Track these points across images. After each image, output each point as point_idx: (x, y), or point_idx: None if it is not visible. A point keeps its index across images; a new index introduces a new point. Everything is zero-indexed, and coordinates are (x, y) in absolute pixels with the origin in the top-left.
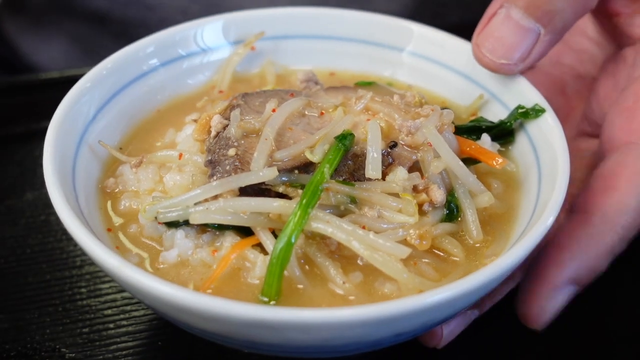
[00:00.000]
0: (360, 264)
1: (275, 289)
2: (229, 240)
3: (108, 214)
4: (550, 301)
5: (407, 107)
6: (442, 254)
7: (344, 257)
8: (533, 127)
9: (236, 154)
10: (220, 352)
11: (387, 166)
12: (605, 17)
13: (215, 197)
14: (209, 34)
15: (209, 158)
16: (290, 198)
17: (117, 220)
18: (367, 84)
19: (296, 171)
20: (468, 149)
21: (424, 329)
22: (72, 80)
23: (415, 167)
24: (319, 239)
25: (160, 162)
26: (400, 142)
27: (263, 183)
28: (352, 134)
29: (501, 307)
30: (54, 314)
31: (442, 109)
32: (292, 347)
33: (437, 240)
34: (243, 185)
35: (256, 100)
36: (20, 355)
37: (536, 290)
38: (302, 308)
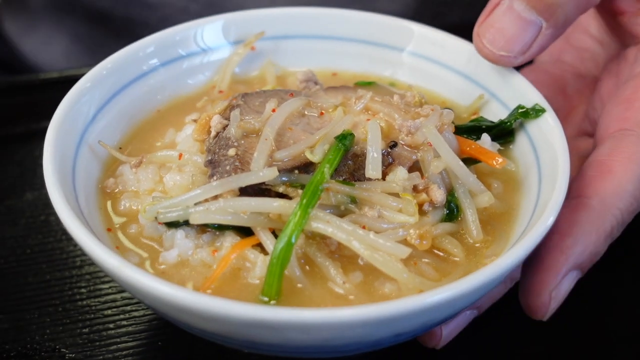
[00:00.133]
0: (361, 263)
1: (276, 289)
2: (229, 240)
3: (108, 214)
4: (556, 289)
5: (407, 107)
6: (442, 253)
7: (344, 257)
8: (533, 127)
9: (236, 154)
10: (220, 352)
11: (387, 166)
12: (609, 15)
13: (216, 197)
14: (209, 34)
15: (209, 158)
16: (290, 198)
17: (117, 220)
18: (367, 84)
19: (296, 171)
20: (468, 148)
21: (424, 329)
22: (72, 80)
23: (415, 167)
24: (319, 239)
25: (160, 162)
26: (400, 142)
27: (263, 183)
28: (352, 134)
29: (500, 307)
30: (54, 314)
31: (442, 109)
32: (292, 347)
33: (437, 240)
34: (243, 185)
35: (256, 100)
36: (20, 355)
37: (541, 279)
38: (302, 308)
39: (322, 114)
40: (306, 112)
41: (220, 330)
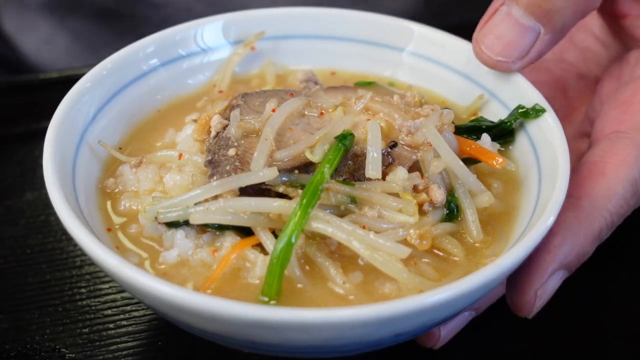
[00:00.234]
0: (361, 263)
1: (276, 289)
2: (229, 240)
3: (108, 214)
4: (541, 288)
5: (407, 107)
6: (442, 253)
7: (344, 257)
8: (533, 127)
9: (236, 154)
10: (220, 352)
11: (387, 166)
12: (611, 17)
13: (216, 197)
14: (209, 34)
15: (209, 158)
16: (290, 198)
17: (117, 220)
18: (367, 84)
19: (296, 171)
20: (468, 148)
21: (424, 329)
22: (72, 80)
23: (415, 167)
24: (319, 239)
25: (160, 162)
26: (400, 142)
27: (263, 183)
28: (352, 134)
29: (498, 308)
30: (54, 314)
31: (442, 109)
32: (292, 347)
33: (437, 240)
34: (243, 185)
35: (256, 100)
36: (20, 355)
37: (528, 277)
38: (302, 308)
39: (322, 114)
40: (306, 112)
41: (220, 330)
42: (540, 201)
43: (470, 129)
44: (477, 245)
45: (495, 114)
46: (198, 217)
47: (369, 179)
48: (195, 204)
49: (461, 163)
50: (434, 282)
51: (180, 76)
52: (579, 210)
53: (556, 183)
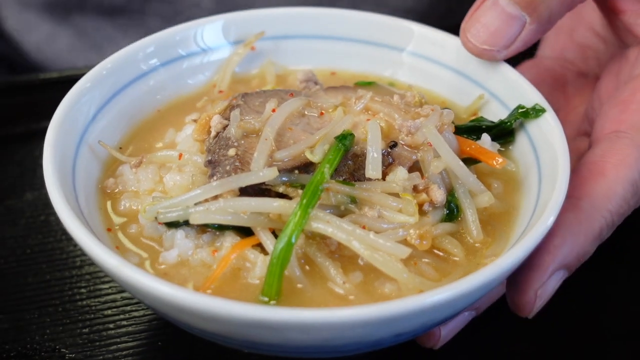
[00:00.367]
0: (361, 263)
1: (276, 289)
2: (229, 240)
3: (108, 214)
4: (542, 288)
5: (407, 107)
6: (442, 254)
7: (344, 257)
8: (533, 126)
9: (236, 154)
10: (220, 352)
11: (387, 166)
12: (610, 13)
13: (216, 197)
14: (209, 34)
15: (209, 158)
16: (290, 198)
17: (117, 221)
18: (367, 84)
19: (296, 171)
20: (468, 148)
21: (424, 329)
22: (72, 80)
23: (415, 167)
24: (319, 239)
25: (160, 162)
26: (400, 142)
27: (263, 183)
28: (352, 134)
29: (498, 307)
30: (54, 314)
31: (442, 109)
32: (292, 347)
33: (437, 240)
34: (243, 186)
35: (256, 100)
36: (20, 355)
37: (528, 277)
38: (302, 308)
39: (322, 114)
40: (306, 112)
41: (220, 330)
42: (540, 201)
43: (470, 129)
44: (477, 245)
45: (495, 114)
46: (198, 217)
47: (369, 179)
48: (195, 204)
49: (461, 163)
50: (434, 282)
51: (180, 76)
52: (579, 210)
53: (556, 183)
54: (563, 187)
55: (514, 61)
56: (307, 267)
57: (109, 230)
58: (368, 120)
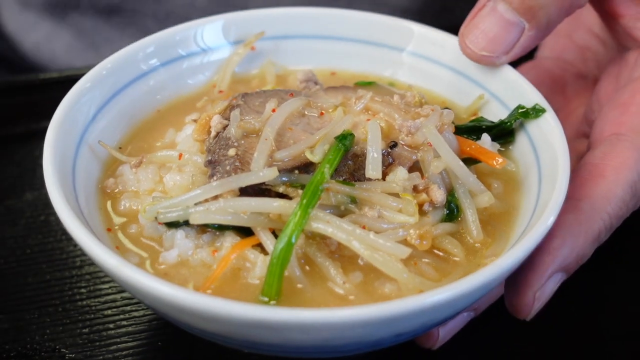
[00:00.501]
0: (361, 263)
1: (276, 289)
2: (229, 240)
3: (108, 214)
4: (540, 290)
5: (407, 107)
6: (442, 254)
7: (344, 257)
8: (533, 126)
9: (236, 154)
10: (221, 352)
11: (387, 166)
12: (608, 17)
13: (216, 197)
14: (209, 34)
15: (209, 158)
16: (290, 198)
17: (117, 220)
18: (367, 84)
19: (296, 171)
20: (468, 149)
21: (424, 329)
22: (72, 80)
23: (415, 167)
24: (319, 239)
25: (160, 162)
26: (400, 142)
27: (263, 183)
28: (352, 134)
29: (498, 308)
30: (54, 314)
31: (442, 109)
32: (292, 347)
33: (437, 240)
34: (243, 186)
35: (256, 100)
36: (20, 355)
37: (526, 279)
38: (302, 308)
39: (322, 114)
40: (306, 112)
41: (220, 330)
42: (541, 201)
43: (470, 129)
44: (477, 245)
45: (495, 114)
46: (198, 217)
47: (369, 179)
48: (195, 204)
49: (461, 163)
50: (434, 282)
51: (180, 76)
52: (578, 212)
53: (556, 183)
54: (563, 187)
55: (514, 63)
56: (307, 267)
57: (109, 230)
58: (368, 120)
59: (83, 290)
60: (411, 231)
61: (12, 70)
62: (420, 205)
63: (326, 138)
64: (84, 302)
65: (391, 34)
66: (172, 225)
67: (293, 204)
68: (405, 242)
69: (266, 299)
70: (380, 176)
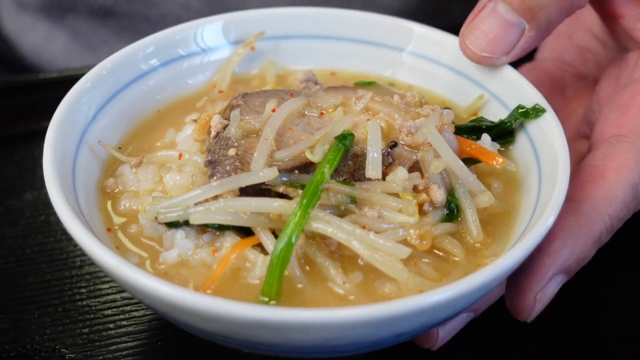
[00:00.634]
0: (361, 263)
1: (276, 289)
2: (229, 240)
3: (108, 214)
4: (541, 292)
5: (407, 107)
6: (442, 254)
7: (344, 257)
8: (533, 127)
9: (236, 154)
10: (221, 352)
11: (387, 166)
12: (609, 17)
13: (216, 197)
14: (209, 34)
15: (209, 158)
16: (290, 198)
17: (117, 220)
18: (367, 84)
19: (296, 171)
20: (468, 148)
21: (424, 329)
22: (72, 80)
23: (415, 167)
24: (319, 239)
25: (160, 162)
26: (401, 142)
27: (263, 183)
28: (352, 134)
29: (499, 308)
30: (54, 314)
31: (442, 109)
32: (292, 347)
33: (437, 240)
34: (243, 186)
35: (256, 100)
36: (20, 355)
37: (527, 281)
38: (302, 308)
39: (322, 114)
40: (306, 112)
41: (220, 330)
42: (541, 201)
43: (470, 129)
44: (477, 245)
45: (495, 114)
46: (198, 217)
47: (369, 179)
48: (195, 204)
49: (461, 163)
50: (434, 282)
51: (180, 76)
52: (579, 214)
53: (556, 183)
54: (563, 187)
55: (514, 64)
56: (307, 267)
57: (109, 230)
58: (368, 120)
59: (83, 290)
60: (411, 231)
61: (12, 70)
62: (420, 205)
63: (326, 138)
64: (84, 302)
65: (391, 34)
66: (172, 225)
67: (293, 204)
68: (405, 242)
69: (266, 299)
70: (380, 176)
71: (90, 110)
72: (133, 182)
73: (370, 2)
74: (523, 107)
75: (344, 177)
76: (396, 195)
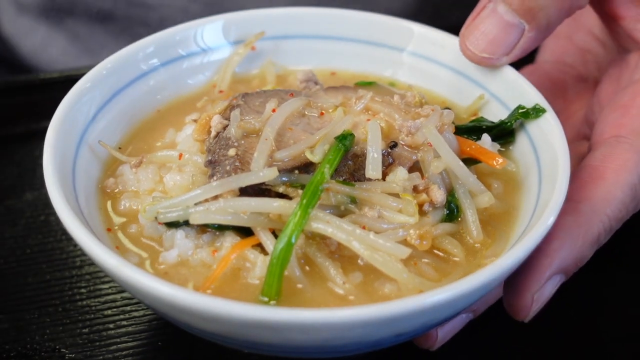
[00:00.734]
0: (361, 264)
1: (275, 289)
2: (229, 240)
3: (108, 214)
4: (539, 292)
5: (407, 107)
6: (442, 254)
7: (344, 257)
8: (533, 127)
9: (236, 154)
10: (221, 352)
11: (387, 166)
12: (609, 18)
13: (216, 197)
14: (209, 34)
15: (209, 158)
16: (290, 198)
17: (117, 220)
18: (367, 84)
19: (296, 171)
20: (468, 149)
21: (424, 329)
22: (72, 80)
23: (415, 167)
24: (319, 239)
25: (160, 162)
26: (401, 142)
27: (263, 183)
28: (352, 134)
29: (498, 309)
30: (54, 314)
31: (442, 109)
32: (292, 347)
33: (437, 240)
34: (243, 186)
35: (256, 100)
36: (20, 355)
37: (525, 281)
38: (302, 308)
39: (322, 114)
40: (306, 112)
41: (220, 330)
42: (541, 201)
43: (470, 129)
44: (477, 245)
45: (496, 114)
46: (198, 217)
47: (369, 179)
48: (195, 204)
49: (461, 163)
50: (434, 283)
51: (180, 76)
52: (578, 214)
53: (556, 183)
54: (563, 187)
55: (514, 66)
56: (307, 267)
57: (109, 230)
58: (368, 120)
59: (83, 290)
60: (411, 231)
61: (12, 70)
62: (420, 206)
63: (326, 138)
64: (84, 302)
65: (391, 34)
66: (172, 225)
67: (293, 204)
68: (405, 242)
69: (266, 299)
70: (380, 176)
71: (90, 110)
72: (133, 182)
73: (369, 6)
74: (523, 107)
75: (344, 177)
76: (396, 195)
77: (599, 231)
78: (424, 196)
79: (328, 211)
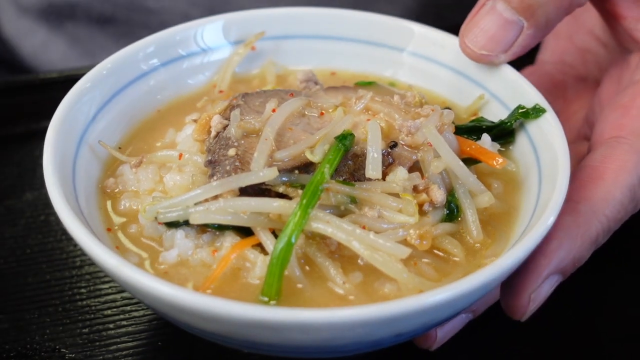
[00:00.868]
0: (361, 264)
1: (275, 289)
2: (229, 240)
3: (108, 214)
4: (535, 291)
5: (407, 107)
6: (442, 254)
7: (344, 257)
8: (533, 127)
9: (236, 154)
10: (221, 352)
11: (387, 166)
12: (611, 19)
13: (216, 197)
14: (209, 34)
15: (209, 158)
16: (290, 198)
17: (117, 220)
18: (367, 84)
19: (296, 171)
20: (468, 149)
21: (424, 329)
22: (72, 80)
23: (415, 167)
24: (319, 239)
25: (160, 162)
26: (401, 142)
27: (263, 183)
28: (352, 134)
29: (497, 309)
30: (54, 314)
31: (443, 109)
32: (292, 347)
33: (437, 240)
34: (243, 186)
35: (256, 100)
36: (20, 355)
37: (522, 280)
38: (302, 308)
39: (322, 114)
40: (306, 112)
41: (220, 330)
42: (541, 201)
43: (470, 129)
44: (477, 245)
45: (496, 114)
46: (198, 217)
47: (369, 179)
48: (195, 204)
49: (461, 163)
50: (434, 283)
51: (181, 76)
52: (576, 214)
53: (556, 183)
54: (563, 187)
55: (515, 67)
56: (307, 267)
57: (109, 230)
58: (368, 120)
59: (83, 290)
60: (411, 231)
61: (12, 71)
62: (420, 205)
63: (326, 138)
64: (84, 302)
65: (391, 34)
66: (172, 225)
67: (293, 204)
68: (405, 242)
69: (266, 299)
70: (380, 176)
71: (90, 110)
72: (133, 182)
73: (369, 11)
74: (523, 107)
75: (344, 177)
76: (396, 195)
77: (597, 232)
78: (424, 196)
79: (328, 211)
